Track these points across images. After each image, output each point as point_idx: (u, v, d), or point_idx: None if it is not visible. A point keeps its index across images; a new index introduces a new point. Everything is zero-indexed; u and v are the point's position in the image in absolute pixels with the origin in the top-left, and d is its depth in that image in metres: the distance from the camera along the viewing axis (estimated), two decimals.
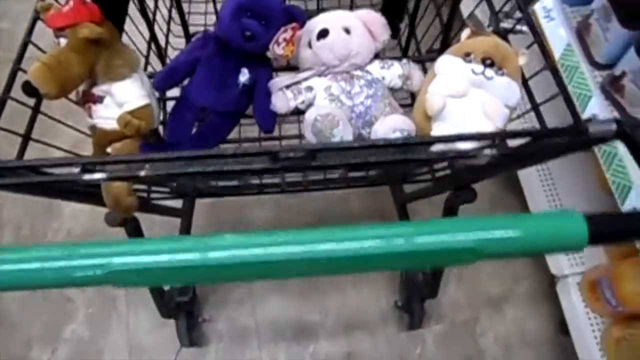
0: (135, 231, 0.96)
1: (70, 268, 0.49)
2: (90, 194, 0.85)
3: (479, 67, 0.80)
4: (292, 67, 1.01)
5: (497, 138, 0.63)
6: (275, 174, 0.87)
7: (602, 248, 1.29)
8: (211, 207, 1.51)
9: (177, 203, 1.31)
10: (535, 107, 0.77)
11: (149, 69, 1.13)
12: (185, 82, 0.96)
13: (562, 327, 1.37)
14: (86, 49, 0.79)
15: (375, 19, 0.92)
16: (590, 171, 1.32)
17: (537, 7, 1.18)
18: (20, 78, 0.74)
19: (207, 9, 1.32)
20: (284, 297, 1.47)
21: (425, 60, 1.06)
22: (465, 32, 0.84)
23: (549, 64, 0.74)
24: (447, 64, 0.83)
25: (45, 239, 1.54)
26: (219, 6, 1.20)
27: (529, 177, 1.48)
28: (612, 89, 1.08)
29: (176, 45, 1.25)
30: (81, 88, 0.86)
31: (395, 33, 1.02)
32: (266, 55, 0.93)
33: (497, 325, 1.46)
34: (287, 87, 0.91)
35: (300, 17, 0.92)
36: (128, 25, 0.94)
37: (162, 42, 1.22)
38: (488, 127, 0.78)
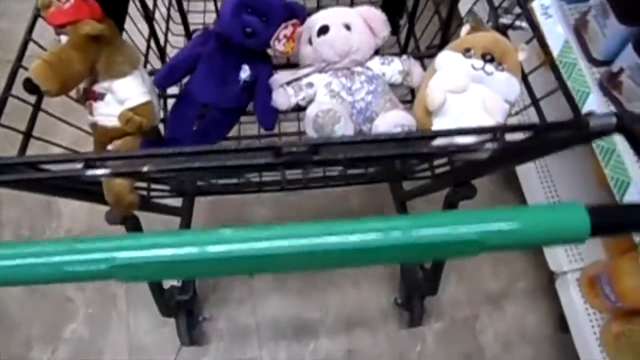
0: (135, 229, 0.96)
1: (75, 262, 0.49)
2: (91, 192, 0.85)
3: (479, 63, 0.80)
4: (291, 64, 1.02)
5: (498, 132, 0.64)
6: (276, 170, 0.86)
7: (601, 244, 1.30)
8: (211, 206, 1.51)
9: (177, 202, 1.31)
10: (535, 102, 0.78)
11: (148, 67, 1.13)
12: (186, 79, 0.96)
13: (561, 324, 1.38)
14: (87, 46, 0.79)
15: (376, 16, 0.92)
16: (588, 168, 1.33)
17: (535, 5, 1.19)
18: (20, 77, 0.74)
19: (206, 7, 1.32)
20: (284, 296, 1.47)
21: (424, 57, 1.06)
22: (465, 28, 0.85)
23: (548, 58, 0.75)
24: (447, 60, 0.83)
25: (45, 238, 1.53)
26: (218, 4, 1.20)
27: (527, 174, 1.48)
28: (609, 85, 1.09)
29: (176, 43, 1.25)
30: (82, 86, 0.86)
31: (395, 29, 1.03)
32: (267, 52, 0.93)
33: (497, 322, 1.47)
34: (288, 83, 0.92)
35: (300, 14, 0.93)
36: (128, 24, 0.94)
37: (162, 42, 1.22)
38: (488, 122, 0.79)
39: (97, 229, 1.39)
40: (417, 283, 1.30)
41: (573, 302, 1.30)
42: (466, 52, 0.82)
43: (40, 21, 0.80)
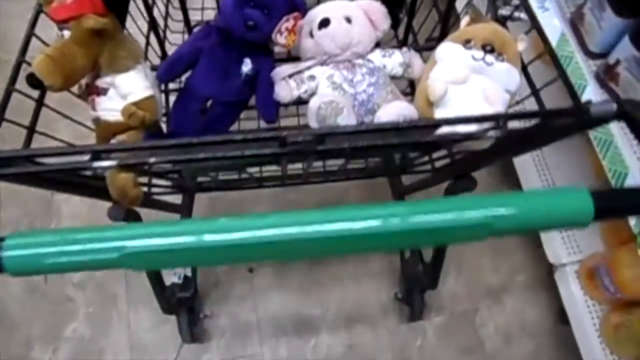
0: None
1: (86, 252, 0.49)
2: (96, 187, 0.85)
3: (479, 53, 0.81)
4: (292, 57, 1.02)
5: (501, 119, 0.64)
6: (278, 163, 0.87)
7: (600, 236, 1.31)
8: (211, 202, 1.51)
9: (177, 199, 1.31)
10: (535, 92, 0.79)
11: (148, 64, 1.13)
12: (187, 74, 0.96)
13: (561, 316, 1.39)
14: (90, 41, 0.79)
15: (376, 8, 0.93)
16: (585, 160, 1.34)
17: None
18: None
19: (205, 4, 1.33)
20: (285, 292, 1.47)
21: (423, 50, 1.07)
22: (465, 20, 0.85)
23: (547, 47, 0.76)
24: (448, 51, 0.84)
25: None
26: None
27: (525, 167, 1.50)
28: (606, 77, 1.10)
29: (177, 39, 1.25)
30: (84, 81, 0.86)
31: (395, 23, 1.03)
32: (268, 45, 0.93)
33: (497, 316, 1.48)
34: (290, 76, 0.92)
35: (301, 7, 0.93)
36: (128, 23, 0.94)
37: (162, 39, 1.23)
38: (489, 112, 0.80)
39: None
40: (417, 277, 1.30)
41: (572, 294, 1.31)
42: (466, 43, 0.82)
43: (42, 17, 0.80)
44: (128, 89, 0.84)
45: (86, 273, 1.47)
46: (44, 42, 0.80)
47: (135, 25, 1.07)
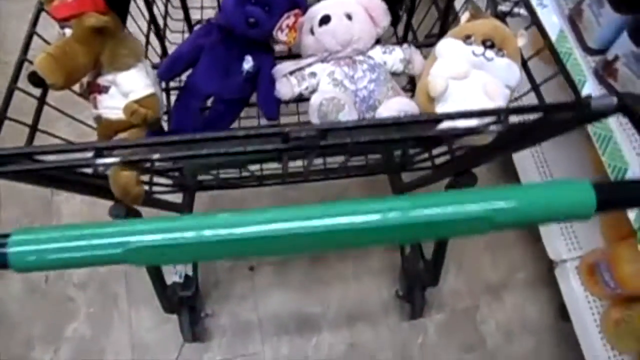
0: None
1: (90, 247, 0.49)
2: (98, 185, 0.85)
3: (480, 49, 0.82)
4: (293, 54, 1.02)
5: (502, 114, 0.65)
6: (280, 161, 0.87)
7: (600, 231, 1.31)
8: (211, 201, 1.51)
9: (177, 198, 1.31)
10: (535, 88, 0.79)
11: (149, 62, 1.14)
12: (188, 72, 0.97)
13: (562, 312, 1.39)
14: (91, 39, 0.79)
15: (376, 5, 0.93)
16: (584, 156, 1.34)
17: None
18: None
19: (204, 2, 1.33)
20: (286, 291, 1.47)
21: (423, 46, 1.07)
22: (465, 15, 0.86)
23: (547, 43, 0.76)
24: (448, 47, 0.84)
25: None
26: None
27: (525, 163, 1.50)
28: (605, 73, 1.11)
29: (177, 38, 1.25)
30: (85, 79, 0.87)
31: (395, 20, 1.04)
32: (269, 43, 0.94)
33: (498, 312, 1.48)
34: (291, 73, 0.93)
35: (302, 4, 0.94)
36: (128, 22, 0.94)
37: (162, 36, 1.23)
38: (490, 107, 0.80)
39: None
40: (418, 274, 1.30)
41: (573, 290, 1.32)
42: (467, 39, 0.83)
43: (43, 15, 0.80)
44: (129, 87, 0.84)
45: (87, 273, 1.47)
46: (45, 41, 0.80)
47: (136, 24, 1.07)
